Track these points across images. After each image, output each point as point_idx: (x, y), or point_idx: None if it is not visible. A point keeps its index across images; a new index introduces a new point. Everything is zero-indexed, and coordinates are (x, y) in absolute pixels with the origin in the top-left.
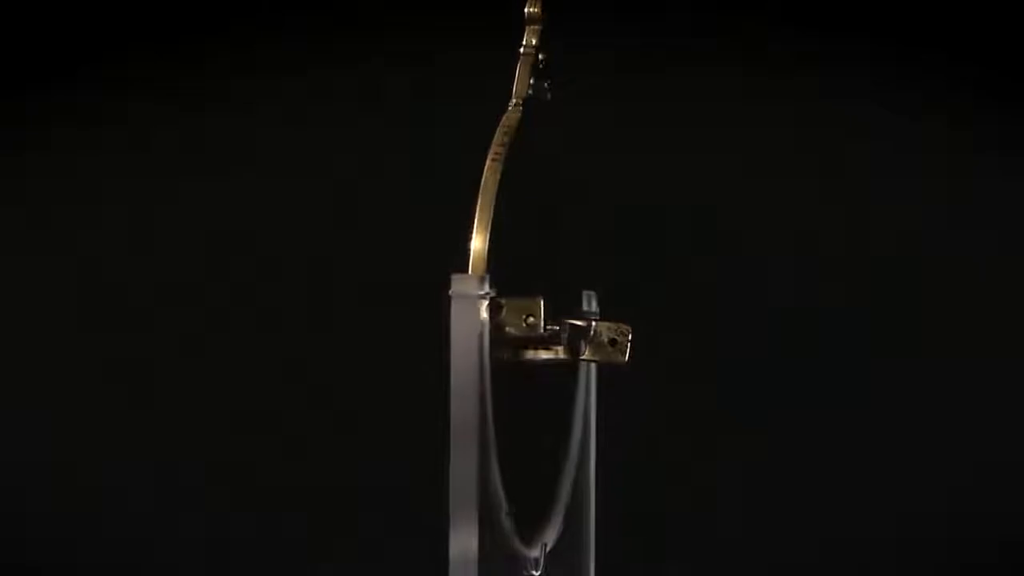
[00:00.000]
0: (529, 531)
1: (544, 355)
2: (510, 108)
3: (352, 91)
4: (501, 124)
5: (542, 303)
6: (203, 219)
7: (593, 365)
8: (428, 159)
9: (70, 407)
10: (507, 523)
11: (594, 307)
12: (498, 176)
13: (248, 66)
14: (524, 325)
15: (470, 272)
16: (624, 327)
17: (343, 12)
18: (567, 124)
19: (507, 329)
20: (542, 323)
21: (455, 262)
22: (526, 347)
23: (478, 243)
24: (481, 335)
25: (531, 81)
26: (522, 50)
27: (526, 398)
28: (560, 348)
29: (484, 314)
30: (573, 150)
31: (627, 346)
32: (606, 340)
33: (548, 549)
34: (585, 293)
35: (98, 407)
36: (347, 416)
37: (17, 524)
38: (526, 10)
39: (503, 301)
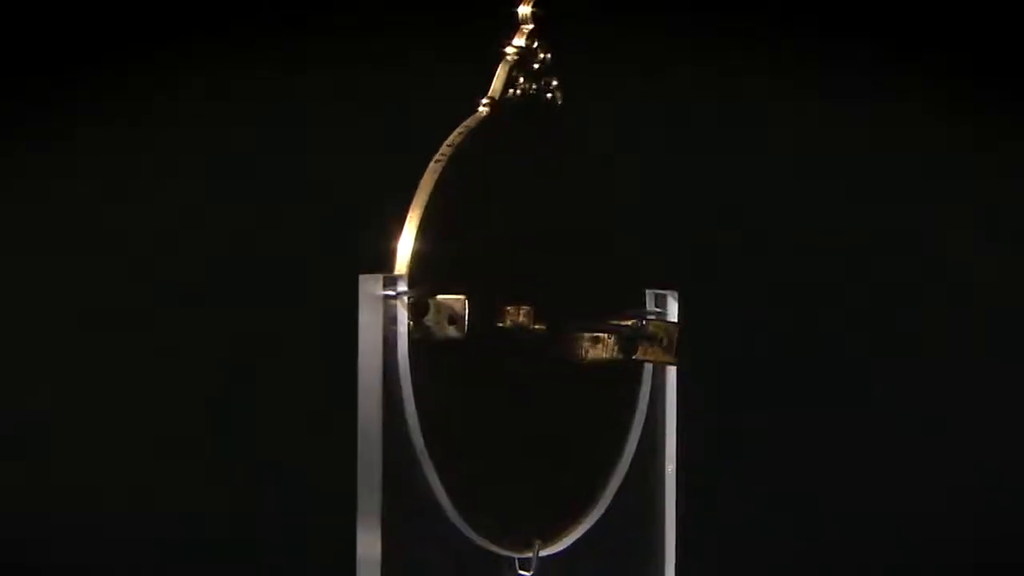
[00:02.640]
0: (529, 532)
1: (596, 355)
2: (479, 109)
3: (351, 91)
4: (461, 125)
5: (466, 303)
6: (194, 218)
7: (673, 368)
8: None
9: (70, 407)
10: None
11: (670, 307)
12: (435, 177)
13: (242, 67)
14: (445, 325)
15: (396, 271)
16: (673, 326)
17: (343, 11)
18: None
19: (431, 329)
20: (466, 322)
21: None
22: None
23: (405, 243)
24: (389, 334)
25: (519, 82)
26: (509, 50)
27: (584, 398)
28: (614, 347)
29: (402, 313)
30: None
31: (676, 345)
32: (656, 339)
33: (542, 552)
34: (649, 292)
35: (98, 407)
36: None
37: (17, 524)
38: (519, 10)
39: (430, 300)
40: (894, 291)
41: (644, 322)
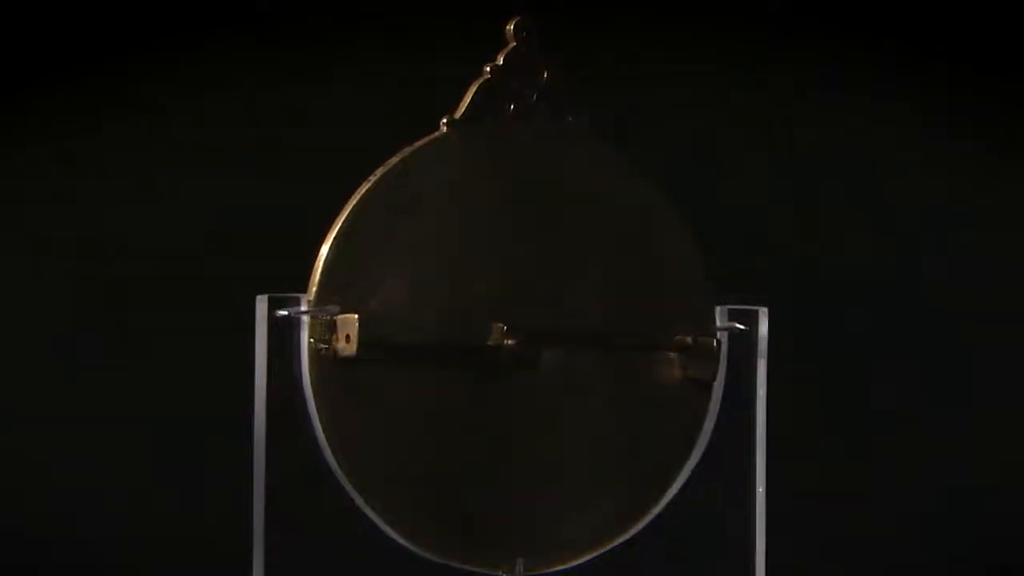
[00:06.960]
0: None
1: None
2: (442, 128)
3: (350, 91)
4: (409, 147)
5: (357, 321)
6: (194, 218)
7: (762, 385)
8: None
9: (71, 407)
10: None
11: (761, 323)
12: (359, 197)
13: (242, 67)
14: (343, 344)
15: (310, 287)
16: (718, 342)
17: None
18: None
19: (335, 346)
20: (356, 341)
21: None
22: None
23: (320, 260)
24: (292, 353)
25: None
26: (488, 68)
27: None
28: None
29: (303, 333)
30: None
31: (717, 362)
32: (705, 356)
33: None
34: (719, 308)
35: (98, 407)
36: None
37: (17, 524)
38: (507, 27)
39: (336, 319)
40: (895, 292)
41: (696, 339)
